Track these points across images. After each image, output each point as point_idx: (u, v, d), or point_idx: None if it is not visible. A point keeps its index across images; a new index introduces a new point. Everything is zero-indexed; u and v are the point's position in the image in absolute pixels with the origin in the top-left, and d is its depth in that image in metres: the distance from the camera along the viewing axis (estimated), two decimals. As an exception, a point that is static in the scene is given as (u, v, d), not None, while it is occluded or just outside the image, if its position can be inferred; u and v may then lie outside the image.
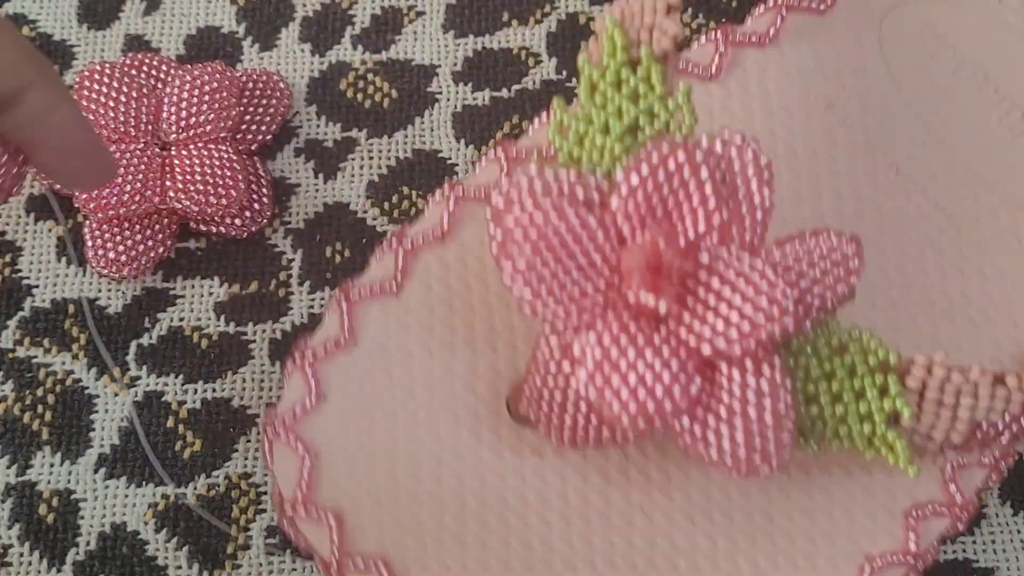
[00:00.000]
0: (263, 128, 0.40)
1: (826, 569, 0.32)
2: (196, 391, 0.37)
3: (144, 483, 0.36)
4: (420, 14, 0.43)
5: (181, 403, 0.37)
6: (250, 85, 0.41)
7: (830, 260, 0.28)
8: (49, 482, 0.37)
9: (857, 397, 0.28)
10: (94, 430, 0.37)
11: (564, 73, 0.41)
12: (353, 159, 0.41)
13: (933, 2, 0.36)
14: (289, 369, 0.33)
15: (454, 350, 0.33)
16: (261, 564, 0.35)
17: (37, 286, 0.39)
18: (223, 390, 0.37)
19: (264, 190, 0.39)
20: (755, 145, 0.28)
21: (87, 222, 0.38)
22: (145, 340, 0.38)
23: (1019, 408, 0.28)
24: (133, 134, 0.38)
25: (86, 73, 0.39)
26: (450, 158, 0.41)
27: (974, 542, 0.36)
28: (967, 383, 0.28)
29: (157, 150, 0.38)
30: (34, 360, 0.38)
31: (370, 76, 0.42)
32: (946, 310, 0.34)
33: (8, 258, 0.39)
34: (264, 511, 0.36)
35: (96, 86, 0.39)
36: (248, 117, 0.40)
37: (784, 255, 0.28)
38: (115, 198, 0.37)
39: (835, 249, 0.28)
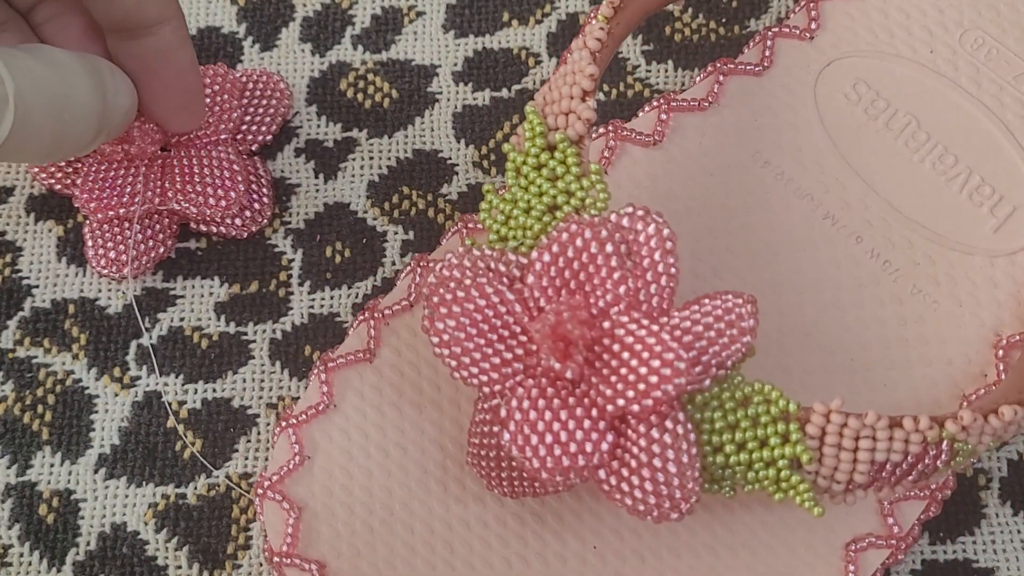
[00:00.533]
0: (263, 128, 0.41)
1: (769, 601, 0.34)
2: (196, 391, 0.38)
3: (144, 483, 0.37)
4: (420, 14, 0.44)
5: (181, 403, 0.38)
6: (250, 85, 0.41)
7: (725, 321, 0.30)
8: (49, 482, 0.37)
9: (761, 445, 0.30)
10: (94, 430, 0.38)
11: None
12: (353, 159, 0.41)
13: (866, 56, 0.38)
14: (277, 432, 0.36)
15: (422, 410, 0.36)
16: (262, 564, 0.37)
17: (37, 286, 0.40)
18: (223, 390, 0.39)
19: (264, 190, 0.40)
20: (658, 219, 0.31)
21: (87, 222, 0.39)
22: (145, 340, 0.39)
23: (919, 448, 0.30)
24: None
25: None
26: (450, 158, 0.41)
27: (974, 542, 0.37)
28: (864, 427, 0.30)
29: (157, 151, 0.39)
30: (34, 360, 0.39)
31: (370, 76, 0.43)
32: (884, 353, 0.36)
33: (8, 258, 0.40)
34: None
35: None
36: (248, 117, 0.41)
37: (683, 319, 0.31)
38: (115, 198, 0.38)
39: (731, 311, 0.30)
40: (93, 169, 0.39)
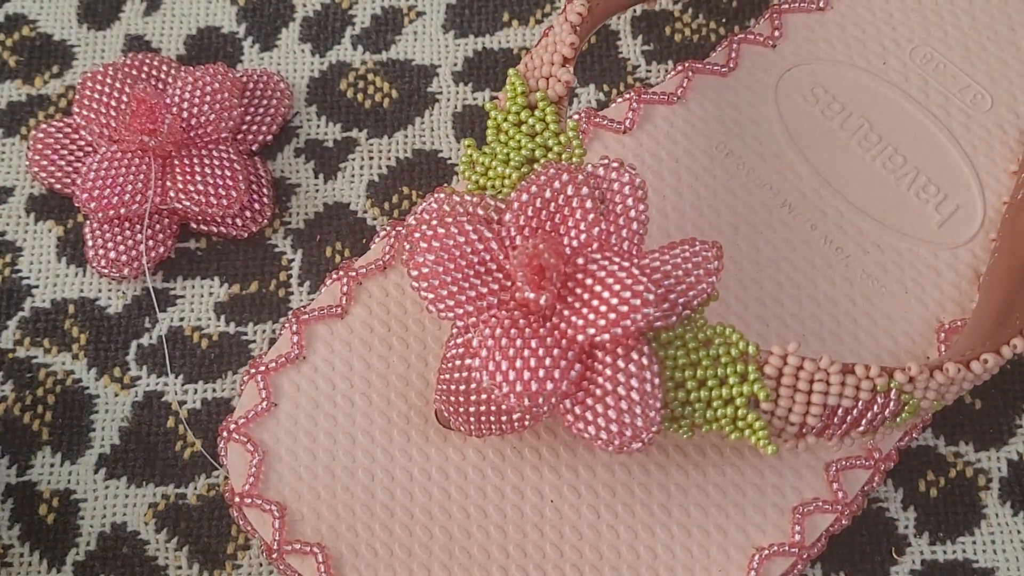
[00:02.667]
0: (263, 128, 0.41)
1: (719, 558, 0.35)
2: (196, 391, 0.39)
3: (144, 483, 0.37)
4: (420, 14, 0.44)
5: (181, 403, 0.38)
6: (251, 85, 0.41)
7: (693, 263, 0.32)
8: (49, 482, 0.37)
9: (721, 383, 0.32)
10: (94, 430, 0.38)
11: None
12: (353, 159, 0.42)
13: (824, 63, 0.41)
14: (245, 379, 0.37)
15: (390, 364, 0.37)
16: (261, 564, 0.37)
17: (37, 286, 0.40)
18: (223, 390, 0.39)
19: (264, 190, 0.40)
20: (632, 169, 0.33)
21: (87, 222, 0.39)
22: (145, 340, 0.39)
23: (869, 395, 0.32)
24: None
25: (88, 75, 0.40)
26: (450, 158, 0.42)
27: (974, 542, 0.37)
28: (819, 370, 0.32)
29: (170, 151, 0.39)
30: (34, 360, 0.39)
31: (370, 76, 0.43)
32: (834, 331, 0.37)
33: (8, 258, 0.40)
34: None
35: (99, 87, 0.40)
36: (249, 117, 0.41)
37: (652, 260, 0.32)
38: (116, 198, 0.38)
39: (698, 254, 0.32)
40: (93, 168, 0.39)
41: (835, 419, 0.32)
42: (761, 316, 0.37)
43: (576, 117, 0.40)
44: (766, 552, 0.35)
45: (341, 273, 0.38)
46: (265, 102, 0.42)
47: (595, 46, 0.44)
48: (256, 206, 0.41)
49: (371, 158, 0.42)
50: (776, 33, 0.41)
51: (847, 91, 0.40)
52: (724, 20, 0.44)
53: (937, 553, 0.37)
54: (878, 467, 0.36)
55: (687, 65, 0.41)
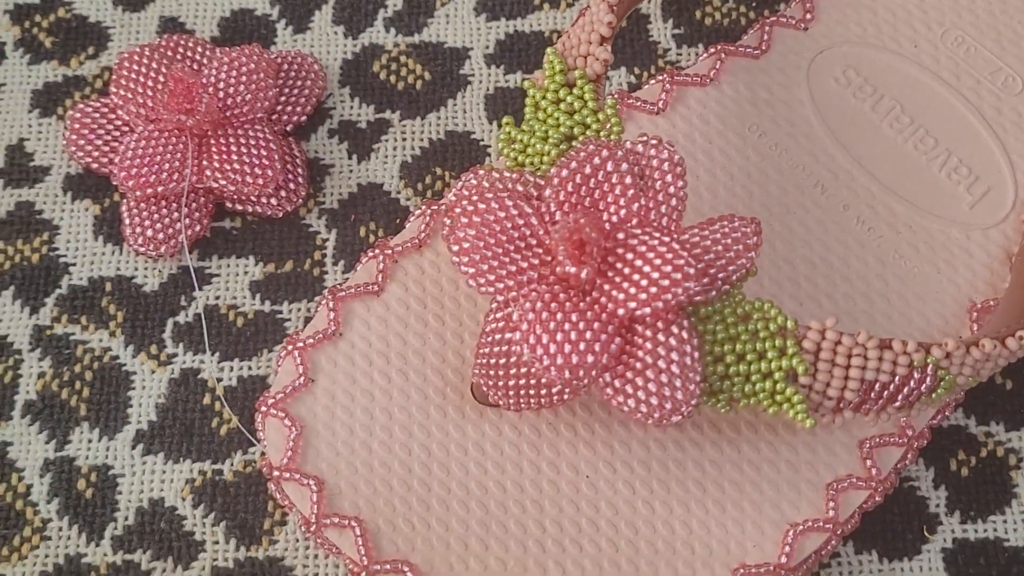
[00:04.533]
0: (298, 109, 0.42)
1: (754, 533, 0.35)
2: (232, 368, 0.39)
3: (181, 459, 0.38)
4: None
5: (218, 380, 0.39)
6: (285, 67, 0.42)
7: (732, 238, 0.32)
8: (87, 457, 0.38)
9: (759, 357, 0.32)
10: (131, 406, 0.38)
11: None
12: (386, 140, 0.42)
13: (855, 46, 0.41)
14: (282, 355, 0.37)
15: (426, 340, 0.37)
16: (298, 540, 0.37)
17: (74, 264, 0.40)
18: (258, 368, 0.39)
19: (299, 170, 0.41)
20: (670, 147, 0.33)
21: (124, 201, 0.40)
22: (181, 318, 0.40)
23: (906, 371, 0.32)
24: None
25: (125, 55, 0.41)
26: (482, 139, 0.42)
27: (1005, 521, 0.38)
28: (856, 345, 0.32)
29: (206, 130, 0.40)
30: (71, 337, 0.39)
31: (403, 58, 0.44)
32: (866, 310, 0.38)
33: (45, 236, 0.41)
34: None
35: (136, 67, 0.40)
36: (283, 98, 0.41)
37: (692, 235, 0.33)
38: (153, 176, 0.39)
39: (737, 229, 0.32)
40: (131, 147, 0.40)
41: (872, 394, 0.32)
42: (794, 296, 0.38)
43: (610, 97, 0.40)
44: (800, 528, 0.35)
45: (377, 251, 0.38)
46: (299, 83, 0.42)
47: (626, 30, 0.44)
48: (291, 186, 0.41)
49: (404, 139, 0.43)
50: (808, 16, 0.41)
51: (879, 74, 0.41)
52: (754, 4, 0.44)
53: (968, 532, 0.38)
54: (911, 445, 0.37)
55: (719, 47, 0.41)
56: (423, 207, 0.39)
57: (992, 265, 0.38)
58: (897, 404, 0.33)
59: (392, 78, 0.44)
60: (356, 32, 0.45)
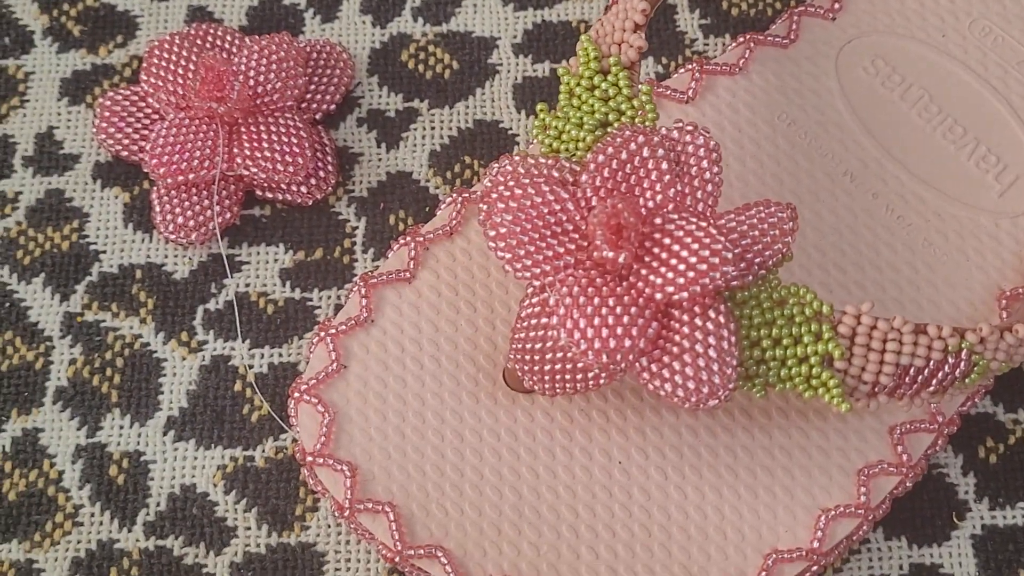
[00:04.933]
0: (327, 98, 0.42)
1: (786, 518, 0.35)
2: (263, 355, 0.39)
3: (212, 446, 0.38)
4: None
5: (248, 367, 0.39)
6: (314, 55, 0.42)
7: (768, 223, 0.32)
8: (119, 444, 0.38)
9: (795, 342, 0.32)
10: (162, 393, 0.39)
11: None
12: (415, 129, 0.43)
13: (883, 36, 0.41)
14: (315, 342, 0.38)
15: (458, 327, 0.37)
16: (329, 527, 0.37)
17: (104, 251, 0.41)
18: (289, 355, 0.39)
19: (329, 159, 0.41)
20: (705, 132, 0.33)
21: (154, 188, 0.40)
22: (212, 305, 0.40)
23: (940, 355, 0.32)
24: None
25: (156, 43, 0.41)
26: (511, 128, 0.43)
27: None
28: (892, 330, 0.32)
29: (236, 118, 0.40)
30: (102, 324, 0.40)
31: (431, 48, 0.44)
32: (896, 297, 0.38)
33: (76, 224, 0.41)
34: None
35: (167, 55, 0.41)
36: (312, 87, 0.42)
37: (728, 220, 0.33)
38: (184, 163, 0.39)
39: (774, 215, 0.33)
40: (162, 135, 0.40)
41: (907, 379, 0.33)
42: (825, 283, 0.38)
43: (647, 82, 0.40)
44: (833, 513, 0.35)
45: (408, 238, 0.39)
46: (328, 72, 0.43)
47: (653, 20, 0.45)
48: (321, 174, 0.41)
49: (432, 128, 0.43)
50: (836, 6, 0.42)
51: (907, 63, 0.41)
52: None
53: (997, 518, 0.38)
54: (941, 431, 0.37)
55: (748, 37, 0.41)
56: (454, 195, 0.39)
57: (1021, 253, 0.39)
58: (931, 389, 0.33)
59: (420, 67, 0.44)
60: (384, 21, 0.45)
